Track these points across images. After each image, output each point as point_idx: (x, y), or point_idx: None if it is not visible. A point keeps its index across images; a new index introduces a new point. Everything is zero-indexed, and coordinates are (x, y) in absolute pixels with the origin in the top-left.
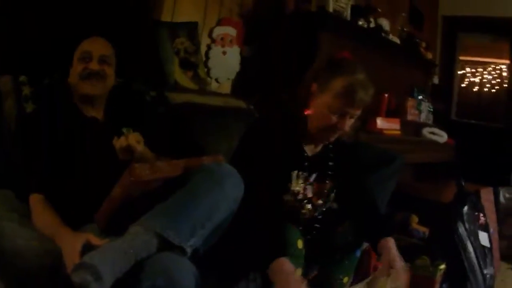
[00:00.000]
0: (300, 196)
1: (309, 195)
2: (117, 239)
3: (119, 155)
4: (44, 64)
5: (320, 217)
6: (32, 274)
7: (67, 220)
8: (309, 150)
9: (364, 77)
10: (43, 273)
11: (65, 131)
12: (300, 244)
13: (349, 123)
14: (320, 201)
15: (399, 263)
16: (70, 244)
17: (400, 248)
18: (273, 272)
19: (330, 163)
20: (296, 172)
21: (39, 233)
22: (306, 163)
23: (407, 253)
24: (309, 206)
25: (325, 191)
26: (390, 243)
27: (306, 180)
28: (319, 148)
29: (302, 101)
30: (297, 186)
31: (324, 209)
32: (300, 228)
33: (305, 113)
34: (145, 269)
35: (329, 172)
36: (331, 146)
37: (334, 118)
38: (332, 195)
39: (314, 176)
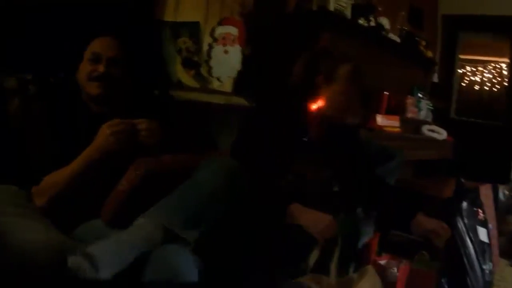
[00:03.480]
0: (302, 176)
1: (312, 177)
2: (122, 231)
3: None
4: (50, 63)
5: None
6: (38, 268)
7: (72, 213)
8: (309, 136)
9: (355, 57)
10: (50, 268)
11: (72, 126)
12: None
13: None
14: (321, 184)
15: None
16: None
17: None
18: (294, 214)
19: (332, 146)
20: (297, 153)
21: (45, 227)
22: (307, 146)
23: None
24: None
25: (327, 174)
26: (421, 217)
27: (308, 162)
28: (320, 133)
29: (301, 91)
30: (300, 167)
31: (328, 192)
32: None
33: (316, 103)
34: (150, 260)
35: (329, 155)
36: (329, 130)
37: (346, 100)
38: (332, 177)
39: (316, 159)
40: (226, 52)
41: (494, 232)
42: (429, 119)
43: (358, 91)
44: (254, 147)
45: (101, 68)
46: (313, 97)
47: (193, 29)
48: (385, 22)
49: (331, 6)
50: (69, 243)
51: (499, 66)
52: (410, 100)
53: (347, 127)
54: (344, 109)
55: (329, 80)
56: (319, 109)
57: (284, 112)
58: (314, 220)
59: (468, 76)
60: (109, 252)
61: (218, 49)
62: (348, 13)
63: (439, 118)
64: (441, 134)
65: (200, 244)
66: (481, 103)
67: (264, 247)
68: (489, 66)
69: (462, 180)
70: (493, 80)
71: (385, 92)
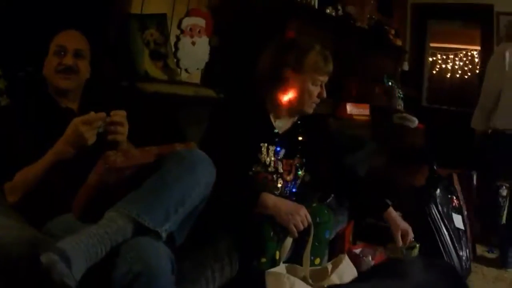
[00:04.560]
0: (271, 169)
1: (280, 170)
2: (93, 225)
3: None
4: (18, 57)
5: (294, 191)
6: (11, 263)
7: (43, 209)
8: (279, 127)
9: (321, 46)
10: (22, 263)
11: (40, 122)
12: (277, 255)
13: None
14: (290, 177)
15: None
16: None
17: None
18: (265, 203)
19: (300, 138)
20: (265, 144)
21: (17, 223)
22: (276, 139)
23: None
24: (280, 181)
25: (294, 166)
26: (394, 212)
27: (275, 154)
28: (288, 125)
29: (268, 83)
30: (267, 157)
31: (297, 183)
32: None
33: (286, 95)
34: (121, 254)
35: (299, 147)
36: (299, 122)
37: (317, 90)
38: (301, 171)
39: (283, 152)
40: (193, 43)
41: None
42: (400, 107)
43: (325, 78)
44: (222, 138)
45: (68, 60)
46: (281, 89)
47: (160, 21)
48: (353, 11)
49: None
50: (41, 238)
51: (470, 54)
52: (380, 89)
53: (317, 117)
54: (314, 98)
55: (296, 71)
56: (288, 100)
57: (252, 104)
58: (285, 210)
59: (439, 64)
60: (80, 246)
61: (185, 41)
62: (315, 2)
63: (410, 106)
64: (413, 121)
65: (172, 236)
66: (452, 90)
67: (233, 236)
68: (460, 54)
69: (435, 167)
70: (464, 68)
71: (354, 81)
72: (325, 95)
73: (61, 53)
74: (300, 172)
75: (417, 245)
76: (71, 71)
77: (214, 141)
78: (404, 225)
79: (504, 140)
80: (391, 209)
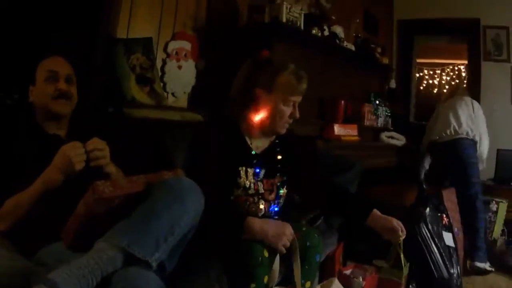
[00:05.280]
0: (251, 191)
1: (261, 191)
2: (83, 255)
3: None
4: (4, 85)
5: (277, 210)
6: None
7: (33, 237)
8: (256, 148)
9: (295, 66)
10: None
11: (29, 149)
12: (266, 253)
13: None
14: (271, 196)
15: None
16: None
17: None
18: (251, 228)
19: (279, 157)
20: (244, 168)
21: (8, 252)
22: (254, 160)
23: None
24: (262, 202)
25: (275, 185)
26: (377, 212)
27: (255, 176)
28: (266, 144)
29: (241, 104)
30: (247, 180)
31: (280, 202)
32: None
33: (257, 115)
34: (112, 284)
35: (278, 166)
36: (277, 141)
37: (289, 110)
38: (283, 190)
39: (263, 172)
40: (179, 67)
41: (460, 236)
42: (388, 126)
43: (297, 98)
44: (200, 165)
45: (61, 85)
46: (253, 109)
47: (146, 45)
48: (339, 30)
49: (284, 17)
50: (32, 268)
51: (457, 68)
52: (367, 108)
53: (301, 137)
54: (286, 118)
55: (267, 91)
56: (259, 120)
57: (227, 126)
58: (272, 232)
59: (426, 79)
60: (71, 277)
61: (171, 65)
62: (301, 23)
63: (399, 124)
64: (400, 140)
65: (162, 264)
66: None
67: (223, 262)
68: (447, 69)
69: (424, 185)
70: (452, 82)
71: (341, 101)
72: (297, 115)
73: (52, 78)
74: (281, 191)
75: (407, 264)
76: (67, 97)
77: (192, 167)
78: (395, 218)
79: (434, 149)
80: (375, 211)
